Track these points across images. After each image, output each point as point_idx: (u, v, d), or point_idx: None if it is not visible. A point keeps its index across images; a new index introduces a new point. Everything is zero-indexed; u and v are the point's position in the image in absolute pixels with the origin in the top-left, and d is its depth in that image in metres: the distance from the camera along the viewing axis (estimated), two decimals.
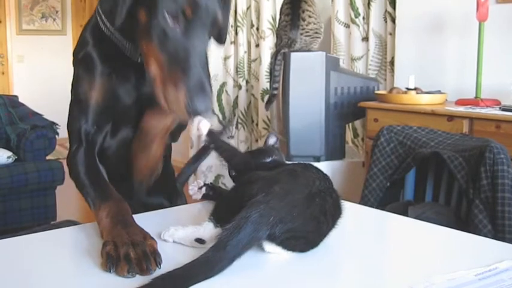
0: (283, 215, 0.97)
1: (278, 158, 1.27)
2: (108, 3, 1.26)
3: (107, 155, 1.40)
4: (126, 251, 0.98)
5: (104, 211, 1.13)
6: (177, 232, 1.09)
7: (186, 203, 1.59)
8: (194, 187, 1.34)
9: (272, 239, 0.99)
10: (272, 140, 1.31)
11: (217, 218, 1.05)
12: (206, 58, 1.15)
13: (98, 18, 1.29)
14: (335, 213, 1.10)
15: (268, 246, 1.03)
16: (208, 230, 1.05)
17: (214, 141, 1.25)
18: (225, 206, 1.08)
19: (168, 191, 1.61)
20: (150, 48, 1.12)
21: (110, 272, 0.95)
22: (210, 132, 1.20)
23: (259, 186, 1.01)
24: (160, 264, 0.96)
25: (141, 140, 1.34)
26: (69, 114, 1.37)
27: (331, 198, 1.09)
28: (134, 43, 1.24)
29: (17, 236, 1.17)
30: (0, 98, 4.61)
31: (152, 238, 1.04)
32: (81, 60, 1.34)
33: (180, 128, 1.43)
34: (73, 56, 1.38)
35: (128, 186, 1.43)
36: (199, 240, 1.05)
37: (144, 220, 1.15)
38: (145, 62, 1.15)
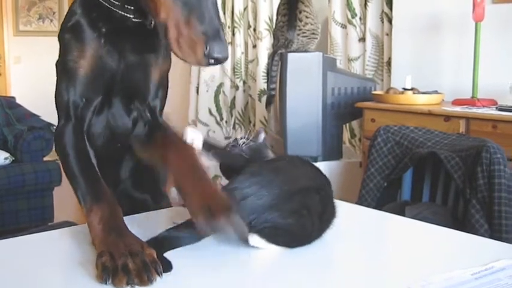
0: (255, 205, 1.02)
1: (267, 155, 1.28)
2: None
3: (93, 134, 1.33)
4: (124, 261, 0.93)
5: (96, 215, 1.07)
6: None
7: (170, 206, 1.49)
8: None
9: (250, 228, 1.02)
10: (261, 137, 1.31)
11: None
12: (218, 8, 1.12)
13: None
14: (324, 212, 1.11)
15: (252, 239, 1.04)
16: None
17: (209, 150, 1.27)
18: None
19: (153, 189, 1.52)
20: None
21: (106, 284, 0.91)
22: (205, 143, 1.23)
23: (239, 179, 1.06)
24: (161, 274, 0.93)
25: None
26: (56, 88, 1.31)
27: (319, 196, 1.10)
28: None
29: (12, 237, 1.16)
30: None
31: (150, 247, 0.98)
32: (69, 29, 1.30)
33: None
34: (60, 29, 1.33)
35: (114, 173, 1.40)
36: None
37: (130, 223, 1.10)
38: (156, 9, 1.10)
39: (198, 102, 5.05)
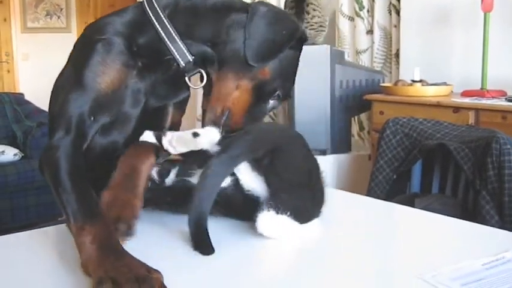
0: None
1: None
2: (189, 11, 1.24)
3: (90, 156, 1.20)
4: None
5: (89, 235, 0.94)
6: (174, 134, 1.16)
7: None
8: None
9: (256, 161, 1.08)
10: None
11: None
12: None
13: (152, 15, 1.21)
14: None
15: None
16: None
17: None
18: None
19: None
20: (243, 93, 1.22)
21: None
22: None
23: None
24: None
25: (123, 178, 1.15)
26: (59, 94, 1.21)
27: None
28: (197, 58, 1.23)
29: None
30: (6, 96, 4.63)
31: (156, 270, 0.87)
32: (102, 41, 1.20)
33: None
34: (88, 34, 1.25)
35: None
36: (195, 134, 1.13)
37: None
38: (225, 96, 1.21)
39: None
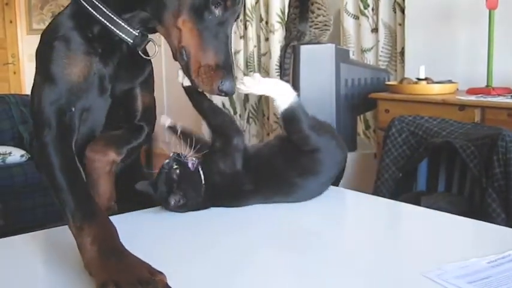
0: None
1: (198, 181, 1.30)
2: None
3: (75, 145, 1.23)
4: None
5: (89, 235, 0.94)
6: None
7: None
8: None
9: None
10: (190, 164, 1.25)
11: None
12: (231, 43, 1.21)
13: (87, 4, 1.22)
14: None
15: None
16: None
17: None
18: None
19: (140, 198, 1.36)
20: (188, 26, 1.15)
21: None
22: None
23: None
24: None
25: (87, 178, 1.20)
26: (34, 97, 1.22)
27: None
28: (143, 28, 1.24)
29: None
30: (13, 97, 4.64)
31: (159, 272, 0.86)
32: (59, 38, 1.23)
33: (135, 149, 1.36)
34: (43, 39, 1.27)
35: None
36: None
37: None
38: (180, 35, 1.16)
39: (211, 96, 5.05)
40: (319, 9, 3.33)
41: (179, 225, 1.17)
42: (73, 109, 1.20)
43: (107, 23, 1.21)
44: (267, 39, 4.81)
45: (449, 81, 3.14)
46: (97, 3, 1.22)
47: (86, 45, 1.23)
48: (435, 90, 3.04)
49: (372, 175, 2.77)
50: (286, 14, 3.69)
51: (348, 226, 1.11)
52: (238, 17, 1.23)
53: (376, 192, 2.48)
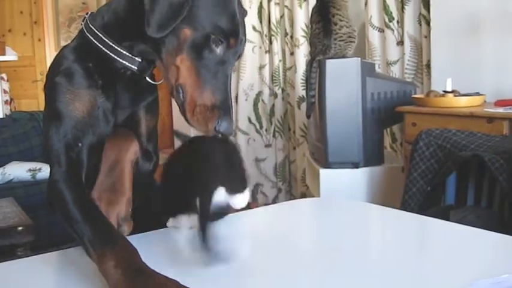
0: None
1: None
2: (112, 19, 1.24)
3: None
4: None
5: (111, 260, 0.93)
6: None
7: None
8: None
9: None
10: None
11: None
12: (230, 80, 1.19)
13: (90, 36, 1.24)
14: None
15: None
16: None
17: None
18: None
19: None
20: (186, 64, 1.14)
21: None
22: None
23: None
24: None
25: (106, 175, 1.19)
26: (45, 137, 1.23)
27: None
28: (144, 58, 1.24)
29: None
30: (42, 114, 4.71)
31: (183, 286, 0.87)
32: (61, 72, 1.23)
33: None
34: (48, 76, 1.27)
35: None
36: None
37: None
38: (177, 73, 1.15)
39: (237, 111, 5.08)
40: (341, 20, 3.34)
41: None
42: (80, 144, 1.20)
43: (110, 53, 1.22)
44: (292, 54, 4.83)
45: (477, 94, 3.11)
46: (98, 33, 1.23)
47: (87, 79, 1.23)
48: (462, 103, 3.02)
49: (399, 189, 2.75)
50: (309, 29, 3.71)
51: (375, 242, 1.11)
52: (239, 57, 1.21)
53: (404, 206, 2.46)
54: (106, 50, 1.22)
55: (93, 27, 1.25)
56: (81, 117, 1.21)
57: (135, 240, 1.01)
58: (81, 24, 1.29)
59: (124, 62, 1.22)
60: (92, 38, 1.24)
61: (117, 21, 1.23)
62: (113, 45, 1.22)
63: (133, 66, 1.23)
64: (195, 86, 1.13)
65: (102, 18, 1.26)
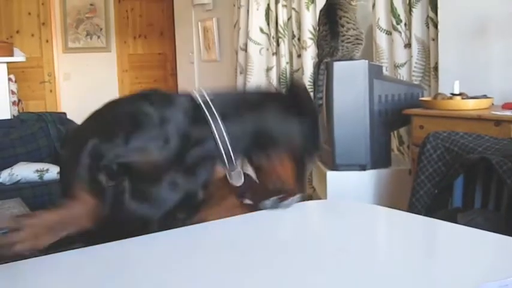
0: None
1: None
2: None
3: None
4: None
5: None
6: None
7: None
8: None
9: None
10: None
11: None
12: None
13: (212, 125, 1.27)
14: None
15: None
16: None
17: None
18: None
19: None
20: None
21: None
22: None
23: None
24: None
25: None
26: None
27: None
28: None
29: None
30: (49, 115, 4.73)
31: None
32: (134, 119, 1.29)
33: None
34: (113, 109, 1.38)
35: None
36: None
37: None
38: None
39: None
40: (348, 22, 3.34)
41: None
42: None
43: (219, 141, 1.33)
44: (299, 56, 4.83)
45: (484, 96, 3.10)
46: (219, 119, 1.32)
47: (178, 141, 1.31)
48: (470, 106, 3.01)
49: (406, 191, 2.75)
50: (317, 31, 3.70)
51: (382, 244, 1.11)
52: None
53: (411, 208, 2.46)
54: (217, 139, 1.33)
55: (216, 112, 1.35)
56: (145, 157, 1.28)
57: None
58: None
59: (224, 157, 1.33)
60: (210, 121, 1.32)
61: (240, 115, 1.40)
62: (226, 138, 1.31)
63: (227, 163, 1.33)
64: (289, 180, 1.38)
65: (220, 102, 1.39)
